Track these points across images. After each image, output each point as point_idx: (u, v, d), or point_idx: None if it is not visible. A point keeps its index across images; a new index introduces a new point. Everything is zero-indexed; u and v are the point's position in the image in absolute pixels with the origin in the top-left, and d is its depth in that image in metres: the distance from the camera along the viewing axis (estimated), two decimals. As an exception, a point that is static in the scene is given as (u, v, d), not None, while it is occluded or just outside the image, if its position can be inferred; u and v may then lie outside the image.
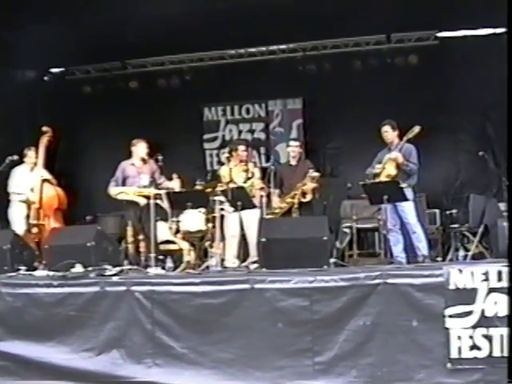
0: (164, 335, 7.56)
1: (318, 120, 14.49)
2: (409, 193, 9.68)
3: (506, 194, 10.04)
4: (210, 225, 10.89)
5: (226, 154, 11.55)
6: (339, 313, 7.21)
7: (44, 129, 11.13)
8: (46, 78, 15.47)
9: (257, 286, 7.44)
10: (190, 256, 10.62)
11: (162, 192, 10.20)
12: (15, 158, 10.60)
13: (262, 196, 10.85)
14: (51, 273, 8.28)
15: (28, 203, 10.74)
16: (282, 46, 14.58)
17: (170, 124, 14.51)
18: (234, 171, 11.02)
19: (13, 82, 14.08)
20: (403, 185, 9.56)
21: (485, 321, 6.93)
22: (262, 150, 15.05)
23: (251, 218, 10.36)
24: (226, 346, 7.39)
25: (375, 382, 7.05)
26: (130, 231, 10.52)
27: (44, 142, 11.06)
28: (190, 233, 11.03)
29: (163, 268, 9.40)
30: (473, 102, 13.35)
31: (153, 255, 9.26)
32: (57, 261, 8.35)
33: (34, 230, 10.54)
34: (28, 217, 10.67)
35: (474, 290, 7.00)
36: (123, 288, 7.77)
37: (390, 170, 9.82)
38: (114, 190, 10.46)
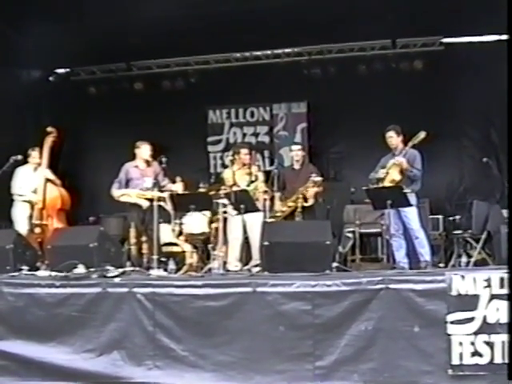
0: (165, 337, 7.56)
1: (322, 124, 14.48)
2: (412, 198, 9.66)
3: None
4: (213, 227, 10.89)
5: (230, 157, 11.57)
6: (341, 317, 7.22)
7: (48, 129, 11.14)
8: (51, 79, 15.48)
9: (259, 289, 7.44)
10: (192, 258, 10.63)
11: (166, 194, 10.20)
12: (19, 157, 10.59)
13: (265, 199, 10.85)
14: (53, 273, 8.29)
15: (31, 203, 10.75)
16: (288, 50, 14.58)
17: (174, 126, 14.52)
18: (238, 174, 11.02)
19: (18, 81, 14.11)
20: (407, 190, 9.55)
21: (486, 327, 6.94)
22: (266, 153, 15.05)
23: (254, 221, 10.36)
24: (227, 348, 7.39)
25: (376, 387, 7.06)
26: (132, 233, 10.51)
27: (48, 142, 11.06)
28: (193, 235, 11.03)
29: (165, 270, 9.40)
30: (477, 108, 13.36)
31: (155, 257, 9.26)
32: (59, 261, 8.36)
33: (37, 230, 10.54)
34: (31, 217, 10.68)
35: (476, 297, 7.00)
36: (125, 289, 7.77)
37: (394, 175, 9.81)
38: (116, 192, 10.45)
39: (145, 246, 10.28)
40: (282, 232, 8.55)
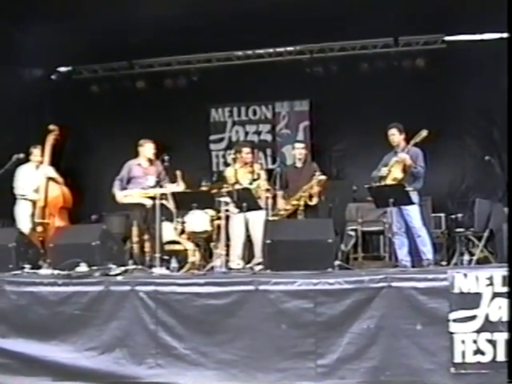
0: (167, 335, 7.56)
1: (324, 122, 14.48)
2: (414, 196, 9.66)
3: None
4: (216, 225, 10.89)
5: (232, 156, 11.56)
6: (343, 315, 7.22)
7: (51, 127, 11.15)
8: (53, 77, 15.50)
9: (261, 287, 7.44)
10: (194, 257, 10.63)
11: (168, 192, 10.18)
12: (21, 156, 10.59)
13: (267, 198, 10.85)
14: (56, 271, 8.29)
15: (33, 202, 10.75)
16: (290, 48, 14.59)
17: (176, 124, 14.51)
18: (240, 172, 11.02)
19: (20, 80, 14.11)
20: (409, 188, 9.55)
21: (489, 325, 6.93)
22: (269, 151, 15.05)
23: (256, 219, 10.35)
24: (229, 347, 7.39)
25: (378, 385, 7.06)
26: (135, 231, 10.52)
27: (50, 140, 11.07)
28: (195, 233, 11.03)
29: (168, 268, 9.39)
30: (479, 106, 13.36)
31: (158, 255, 9.28)
32: (61, 259, 8.37)
33: (39, 228, 10.56)
34: (33, 215, 10.70)
35: (478, 295, 7.00)
36: (127, 288, 7.77)
37: (396, 173, 9.81)
38: (119, 196, 10.43)
39: (147, 245, 10.29)
40: (285, 230, 8.55)
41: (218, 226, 10.55)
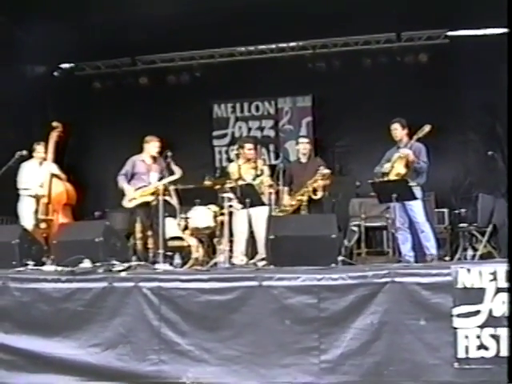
0: (170, 331, 7.55)
1: (327, 118, 14.48)
2: (417, 192, 9.66)
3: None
4: (219, 221, 10.90)
5: (235, 151, 11.58)
6: (346, 311, 7.21)
7: (54, 124, 11.15)
8: (55, 74, 15.48)
9: (265, 283, 7.44)
10: (198, 252, 10.66)
11: (166, 181, 10.15)
12: (24, 152, 10.59)
13: (270, 193, 10.85)
14: (59, 268, 8.29)
15: (37, 198, 10.76)
16: (292, 44, 14.58)
17: (179, 120, 14.52)
18: (243, 168, 11.02)
19: (23, 77, 14.09)
20: (412, 183, 9.55)
21: (492, 320, 6.92)
22: (271, 147, 15.06)
23: (260, 215, 10.36)
24: (233, 343, 7.39)
25: (382, 381, 7.05)
26: (138, 227, 10.53)
27: (54, 137, 11.08)
28: (199, 229, 11.05)
29: (171, 264, 9.42)
30: (482, 101, 13.33)
31: (161, 251, 9.27)
32: (65, 256, 8.36)
33: (43, 225, 10.55)
34: (37, 212, 10.69)
35: (481, 290, 6.99)
36: (131, 284, 7.77)
37: (399, 168, 9.80)
38: (129, 190, 10.44)
39: (150, 241, 10.32)
40: (288, 226, 8.54)
41: (222, 222, 10.55)
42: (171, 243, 10.53)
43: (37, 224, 10.54)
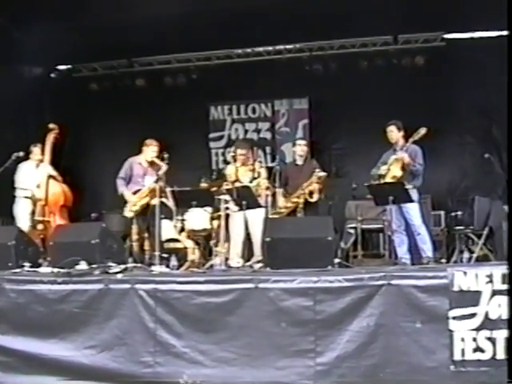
0: (166, 333, 7.56)
1: (323, 120, 14.47)
2: (414, 194, 9.68)
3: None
4: (215, 224, 10.90)
5: (232, 153, 11.58)
6: (342, 313, 7.22)
7: (50, 126, 11.14)
8: (52, 75, 15.48)
9: (261, 285, 7.44)
10: (194, 255, 10.65)
11: (161, 171, 10.14)
12: (21, 154, 10.61)
13: (267, 195, 10.85)
14: (55, 269, 8.29)
15: (33, 200, 10.76)
16: (289, 46, 14.59)
17: (175, 122, 14.52)
18: (240, 170, 11.02)
19: (20, 78, 14.07)
20: (408, 186, 9.56)
21: (488, 323, 6.94)
22: (268, 149, 15.05)
23: (256, 217, 10.36)
24: (228, 345, 7.39)
25: (378, 383, 7.05)
26: (134, 229, 10.53)
27: (50, 138, 11.06)
28: (195, 231, 11.05)
29: (167, 266, 9.39)
30: (479, 104, 13.34)
31: (157, 253, 9.25)
32: (61, 258, 8.37)
33: (39, 226, 10.54)
34: (33, 213, 10.69)
35: (478, 293, 7.01)
36: (127, 286, 7.77)
37: (396, 171, 9.81)
38: (129, 196, 10.45)
39: (147, 243, 10.31)
40: (284, 228, 8.54)
41: (218, 224, 10.55)
42: (167, 245, 10.54)
43: (33, 225, 10.54)
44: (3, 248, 8.87)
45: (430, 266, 8.90)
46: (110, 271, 8.11)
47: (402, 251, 9.91)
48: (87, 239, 8.65)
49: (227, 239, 10.45)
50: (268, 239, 8.20)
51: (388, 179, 9.85)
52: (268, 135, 15.14)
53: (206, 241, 11.26)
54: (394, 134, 10.16)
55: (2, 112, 12.65)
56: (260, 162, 12.38)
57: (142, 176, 10.54)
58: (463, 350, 6.93)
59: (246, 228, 10.68)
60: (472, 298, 7.00)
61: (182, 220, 11.03)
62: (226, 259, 9.81)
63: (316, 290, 7.30)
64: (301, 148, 11.14)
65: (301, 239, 8.17)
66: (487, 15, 11.63)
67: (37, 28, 12.29)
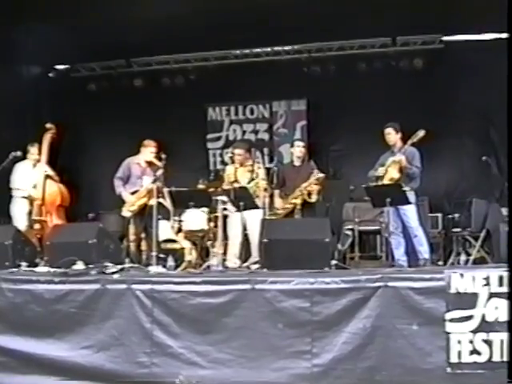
0: (163, 334, 7.54)
1: (321, 122, 14.46)
2: (411, 196, 9.69)
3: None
4: (212, 224, 10.90)
5: (230, 154, 11.58)
6: (339, 315, 7.21)
7: (48, 125, 11.15)
8: (50, 75, 15.45)
9: (258, 286, 7.43)
10: (191, 255, 10.64)
11: (154, 179, 10.13)
12: (18, 153, 10.60)
13: (265, 197, 10.85)
14: (52, 269, 8.28)
15: (30, 199, 10.75)
16: (287, 47, 14.57)
17: (173, 123, 14.51)
18: (239, 171, 11.04)
19: (18, 78, 14.06)
20: (406, 188, 9.57)
21: (485, 326, 6.93)
22: (266, 150, 15.04)
23: (254, 218, 10.35)
24: (225, 346, 7.38)
25: (374, 385, 7.06)
26: (131, 229, 10.54)
27: (47, 138, 11.07)
28: (192, 232, 11.04)
29: (164, 267, 9.37)
30: (477, 107, 13.33)
31: (154, 254, 9.25)
32: (58, 257, 8.36)
33: (36, 226, 10.55)
34: (30, 213, 10.69)
35: (474, 295, 7.00)
36: (124, 286, 7.76)
37: (393, 173, 9.83)
38: (127, 197, 10.48)
39: (144, 243, 10.33)
40: (281, 229, 8.55)
41: (215, 225, 10.56)
42: (164, 245, 10.53)
43: (30, 225, 10.54)
44: (0, 247, 8.87)
45: (427, 268, 8.90)
46: (107, 271, 8.10)
47: (399, 253, 9.93)
48: (84, 239, 8.65)
49: (224, 240, 10.44)
50: (265, 240, 8.20)
51: (385, 181, 9.87)
52: (266, 136, 15.13)
53: (203, 241, 11.25)
54: (392, 136, 10.18)
55: (0, 111, 12.65)
56: (258, 162, 12.39)
57: (139, 176, 10.55)
58: (460, 353, 6.92)
59: (244, 229, 10.69)
60: (469, 300, 6.98)
61: (180, 220, 11.03)
62: (223, 260, 9.80)
63: (313, 292, 7.29)
64: (299, 149, 11.15)
65: (298, 241, 8.17)
66: (486, 18, 11.63)
67: (35, 27, 12.25)
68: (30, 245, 9.47)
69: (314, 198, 10.63)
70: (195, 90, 14.77)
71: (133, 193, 10.50)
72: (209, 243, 10.98)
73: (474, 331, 6.93)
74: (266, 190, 10.88)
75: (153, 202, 9.71)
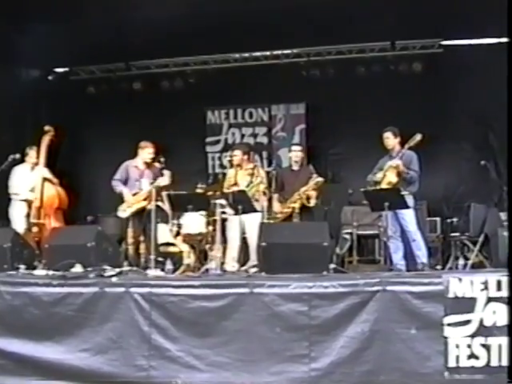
0: (161, 337, 7.52)
1: (320, 125, 14.48)
2: (409, 200, 9.68)
3: (506, 204, 10.02)
4: (211, 228, 10.90)
5: (228, 158, 11.60)
6: (337, 319, 7.20)
7: (46, 128, 11.13)
8: (50, 78, 15.47)
9: (256, 290, 7.42)
10: (189, 258, 10.64)
11: (156, 185, 10.13)
12: (17, 156, 10.61)
13: (263, 200, 10.85)
14: (51, 272, 8.27)
15: (28, 202, 10.74)
16: (287, 51, 14.58)
17: (172, 126, 14.52)
18: (240, 174, 11.04)
19: (17, 80, 14.07)
20: (404, 192, 9.57)
21: (483, 330, 6.92)
22: (265, 154, 15.06)
23: (252, 221, 10.36)
24: (223, 349, 7.36)
25: (372, 389, 7.05)
26: (130, 232, 10.53)
27: (46, 141, 11.05)
28: (191, 235, 11.02)
29: (163, 270, 9.38)
30: (476, 111, 13.35)
31: (153, 257, 9.26)
32: (57, 260, 8.37)
33: (35, 229, 10.53)
34: (28, 216, 10.67)
35: (473, 299, 6.99)
36: (122, 289, 7.74)
37: (391, 177, 9.83)
38: (128, 195, 10.48)
39: (142, 246, 10.31)
40: (280, 233, 8.54)
41: (214, 229, 10.55)
42: (163, 249, 10.52)
43: (29, 228, 10.52)
44: (-1, 250, 8.88)
45: (426, 273, 8.90)
46: (105, 274, 8.09)
47: (398, 257, 9.92)
48: (83, 242, 8.65)
49: (223, 243, 10.44)
50: (263, 244, 8.19)
51: (384, 185, 9.86)
52: (265, 140, 15.15)
53: (201, 245, 11.24)
54: (391, 140, 10.18)
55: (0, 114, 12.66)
56: (255, 165, 12.38)
57: (138, 179, 10.54)
58: (458, 357, 6.91)
59: (243, 232, 10.69)
60: (467, 304, 6.98)
61: (178, 224, 11.02)
62: (222, 263, 9.79)
63: (311, 296, 7.28)
64: (295, 154, 11.18)
65: (296, 244, 8.16)
66: (485, 22, 11.65)
67: (35, 30, 12.28)
68: (28, 248, 9.46)
69: (312, 203, 10.65)
70: (194, 93, 14.77)
71: (132, 195, 10.49)
72: (207, 247, 10.98)
73: (472, 336, 6.93)
74: (264, 193, 10.89)
75: (151, 205, 9.72)
